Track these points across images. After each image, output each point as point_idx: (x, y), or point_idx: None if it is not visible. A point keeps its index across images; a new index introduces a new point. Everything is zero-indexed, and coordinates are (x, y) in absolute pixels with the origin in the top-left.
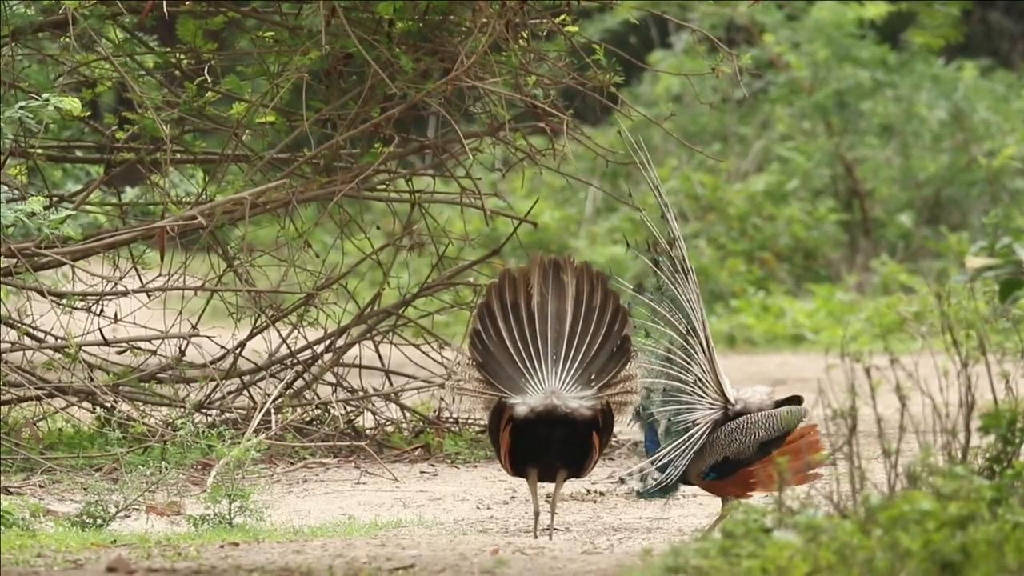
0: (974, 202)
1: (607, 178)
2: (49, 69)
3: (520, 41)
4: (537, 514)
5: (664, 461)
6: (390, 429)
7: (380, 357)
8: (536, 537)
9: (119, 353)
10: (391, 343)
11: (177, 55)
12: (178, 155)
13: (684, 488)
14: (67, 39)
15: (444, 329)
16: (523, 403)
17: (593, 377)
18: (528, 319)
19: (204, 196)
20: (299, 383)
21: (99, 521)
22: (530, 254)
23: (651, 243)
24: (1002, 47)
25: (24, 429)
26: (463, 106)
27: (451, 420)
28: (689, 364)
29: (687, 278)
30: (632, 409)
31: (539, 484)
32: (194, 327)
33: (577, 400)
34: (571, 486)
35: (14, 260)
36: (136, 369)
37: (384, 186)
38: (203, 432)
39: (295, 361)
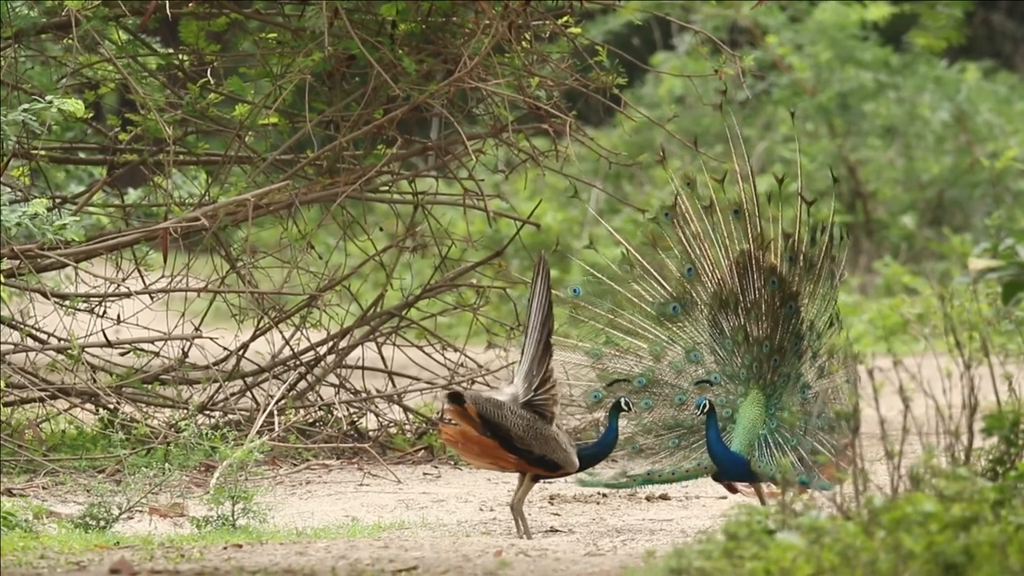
0: (977, 204)
1: (610, 180)
2: (52, 71)
3: (523, 43)
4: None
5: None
6: (393, 431)
7: (383, 358)
8: (523, 537)
9: (122, 355)
10: (394, 344)
11: (180, 57)
12: (181, 156)
13: (687, 489)
14: (70, 41)
15: (447, 331)
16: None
17: (535, 373)
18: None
19: (207, 197)
20: (302, 385)
21: (102, 523)
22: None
23: (845, 232)
24: (1005, 49)
25: (27, 431)
26: (466, 108)
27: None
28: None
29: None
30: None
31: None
32: (197, 329)
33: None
34: (578, 488)
35: (17, 261)
36: (139, 371)
37: (387, 188)
38: (206, 434)
39: (298, 363)
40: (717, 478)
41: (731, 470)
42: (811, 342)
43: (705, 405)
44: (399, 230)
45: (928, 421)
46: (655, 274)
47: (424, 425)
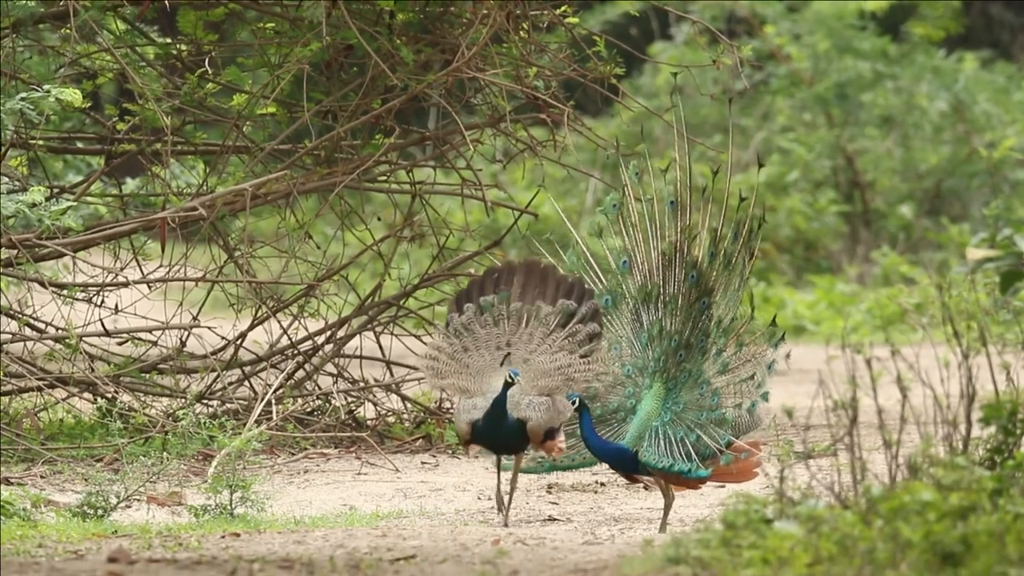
0: (975, 193)
1: (608, 169)
2: (50, 60)
3: (521, 32)
4: None
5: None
6: (391, 420)
7: (381, 348)
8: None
9: (120, 344)
10: (392, 334)
11: (178, 46)
12: (179, 146)
13: None
14: (68, 30)
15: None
16: None
17: None
18: None
19: (205, 187)
20: (300, 374)
21: (100, 512)
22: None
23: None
24: (1002, 38)
25: (25, 420)
26: (464, 97)
27: (452, 410)
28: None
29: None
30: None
31: None
32: (195, 318)
33: None
34: (575, 476)
35: (15, 251)
36: (137, 360)
37: (385, 177)
38: (204, 423)
39: (296, 352)
40: (614, 467)
41: (615, 461)
42: (716, 339)
43: (575, 402)
44: (397, 220)
45: (926, 410)
46: (595, 267)
47: (422, 414)
